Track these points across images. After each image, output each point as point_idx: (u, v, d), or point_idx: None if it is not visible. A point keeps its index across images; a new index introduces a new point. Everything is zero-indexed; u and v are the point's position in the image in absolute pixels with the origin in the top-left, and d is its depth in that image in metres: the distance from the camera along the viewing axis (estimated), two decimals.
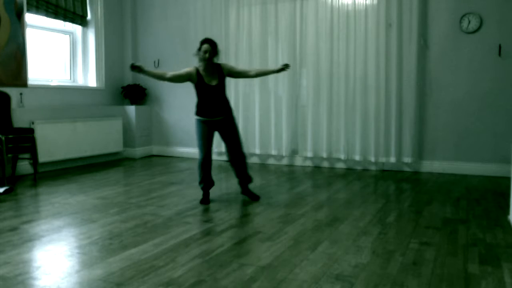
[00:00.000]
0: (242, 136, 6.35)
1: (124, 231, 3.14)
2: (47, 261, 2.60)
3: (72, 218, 3.49)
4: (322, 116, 5.95)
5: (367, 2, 5.65)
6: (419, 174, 5.52)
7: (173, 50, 6.91)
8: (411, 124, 5.55)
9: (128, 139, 6.93)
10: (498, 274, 2.39)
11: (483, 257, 2.63)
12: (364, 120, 5.74)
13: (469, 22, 5.30)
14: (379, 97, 5.65)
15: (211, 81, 3.91)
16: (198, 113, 3.98)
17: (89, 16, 6.60)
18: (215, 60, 3.93)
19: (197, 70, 3.90)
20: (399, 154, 5.64)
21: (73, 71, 6.61)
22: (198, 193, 4.19)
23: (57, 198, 4.20)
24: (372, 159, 5.72)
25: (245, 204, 3.98)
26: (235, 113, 6.32)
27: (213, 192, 4.32)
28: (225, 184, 4.91)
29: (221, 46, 6.28)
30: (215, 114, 3.95)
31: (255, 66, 6.11)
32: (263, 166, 6.18)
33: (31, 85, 5.61)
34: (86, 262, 2.57)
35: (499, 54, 5.21)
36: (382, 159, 5.70)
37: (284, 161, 6.34)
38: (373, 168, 5.82)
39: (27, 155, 5.22)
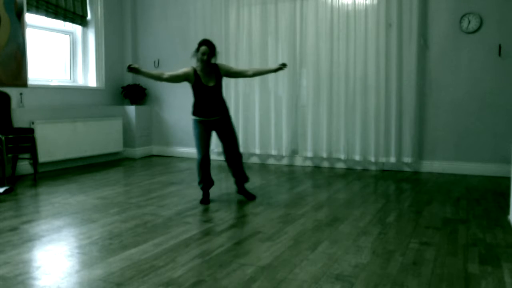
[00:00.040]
0: (242, 136, 6.40)
1: (124, 231, 3.14)
2: (47, 261, 2.60)
3: (72, 218, 3.49)
4: (322, 116, 5.95)
5: (367, 2, 5.65)
6: (419, 174, 5.52)
7: (173, 50, 6.91)
8: (411, 124, 5.55)
9: (128, 139, 6.93)
10: (498, 274, 2.39)
11: (483, 257, 2.63)
12: (364, 120, 5.74)
13: (469, 22, 5.30)
14: (379, 97, 5.65)
15: (208, 81, 3.92)
16: (195, 113, 3.99)
17: (89, 16, 6.60)
18: (213, 61, 3.93)
19: (195, 71, 3.91)
20: (399, 154, 5.64)
21: (73, 71, 6.62)
22: (198, 193, 4.19)
23: (57, 198, 4.20)
24: (372, 159, 5.72)
25: (245, 204, 3.99)
26: (235, 113, 6.42)
27: (213, 192, 4.32)
28: (225, 184, 4.91)
29: (221, 46, 6.36)
30: (212, 114, 3.97)
31: (255, 66, 6.11)
32: (263, 166, 6.18)
33: (31, 85, 5.61)
34: (86, 262, 2.57)
35: (499, 54, 5.21)
36: (382, 159, 5.70)
37: (284, 161, 6.34)
38: (373, 168, 5.82)
39: (27, 155, 5.22)
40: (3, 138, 4.70)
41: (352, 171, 5.73)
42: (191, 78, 3.90)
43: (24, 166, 5.41)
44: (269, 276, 2.35)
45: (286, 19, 6.08)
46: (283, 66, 3.98)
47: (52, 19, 6.07)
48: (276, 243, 2.88)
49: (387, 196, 4.29)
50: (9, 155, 4.92)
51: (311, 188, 4.74)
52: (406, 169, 5.72)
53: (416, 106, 5.54)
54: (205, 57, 3.83)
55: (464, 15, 5.33)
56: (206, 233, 3.11)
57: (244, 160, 6.47)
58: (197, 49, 3.87)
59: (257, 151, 6.37)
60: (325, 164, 6.09)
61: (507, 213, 3.57)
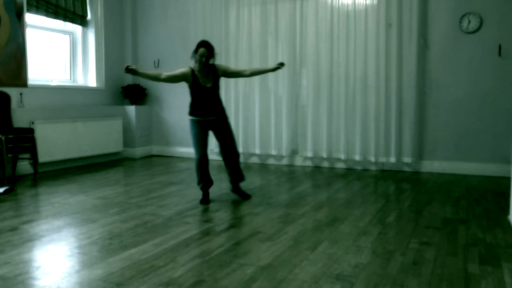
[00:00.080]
0: (242, 136, 6.40)
1: (124, 231, 3.14)
2: (47, 261, 2.60)
3: (72, 218, 3.49)
4: (322, 116, 5.95)
5: (367, 2, 5.65)
6: (419, 174, 5.52)
7: (173, 50, 6.91)
8: (411, 124, 5.55)
9: (128, 139, 6.94)
10: (498, 274, 2.39)
11: (483, 257, 2.63)
12: (364, 120, 5.74)
13: (469, 22, 5.30)
14: (379, 97, 5.65)
15: (206, 82, 3.93)
16: (191, 113, 4.00)
17: (89, 16, 6.60)
18: (211, 61, 3.94)
19: (192, 71, 3.92)
20: (399, 154, 5.64)
21: (73, 71, 6.62)
22: (198, 193, 4.19)
23: (57, 198, 4.20)
24: (372, 159, 5.72)
25: (245, 204, 3.99)
26: (235, 113, 6.42)
27: (213, 192, 4.32)
28: (225, 184, 4.90)
29: (221, 46, 6.36)
30: (209, 114, 3.98)
31: (255, 66, 6.10)
32: (263, 166, 6.18)
33: (31, 85, 5.61)
34: (86, 262, 2.57)
35: (499, 54, 5.21)
36: (382, 159, 5.70)
37: (284, 161, 6.34)
38: (373, 168, 5.82)
39: (27, 155, 5.22)
40: (3, 138, 4.70)
41: (352, 171, 5.73)
42: (189, 78, 3.91)
43: (24, 166, 5.41)
44: (269, 276, 2.35)
45: (286, 19, 6.08)
46: (281, 65, 3.98)
47: (52, 19, 6.07)
48: (276, 243, 2.88)
49: (387, 196, 4.29)
50: (9, 155, 4.92)
51: (311, 188, 4.74)
52: (406, 169, 5.72)
53: (416, 106, 5.54)
54: (203, 59, 3.85)
55: (464, 15, 5.33)
56: (206, 233, 3.11)
57: (244, 160, 6.48)
58: (196, 50, 3.87)
59: (257, 151, 6.37)
60: (325, 164, 6.09)
61: (507, 213, 3.57)
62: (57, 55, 6.40)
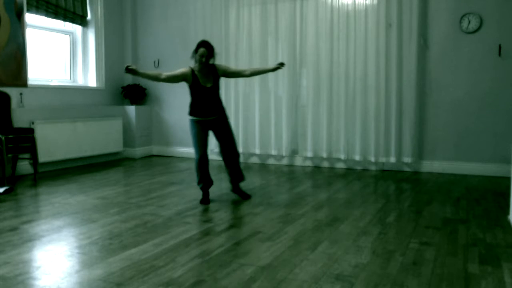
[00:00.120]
0: (242, 136, 6.40)
1: (124, 231, 3.14)
2: (47, 261, 2.60)
3: (72, 218, 3.49)
4: (322, 116, 5.95)
5: (367, 2, 5.65)
6: (419, 174, 5.52)
7: (173, 50, 6.91)
8: (411, 124, 5.55)
9: (128, 139, 6.94)
10: (498, 274, 2.39)
11: (483, 257, 2.63)
12: (364, 120, 5.74)
13: (469, 22, 5.30)
14: (379, 97, 5.65)
15: (206, 82, 3.93)
16: (191, 113, 4.00)
17: (89, 16, 6.60)
18: (211, 61, 3.94)
19: (192, 71, 3.92)
20: (399, 154, 5.64)
21: (73, 71, 6.62)
22: (198, 193, 4.19)
23: (57, 198, 4.20)
24: (372, 159, 5.72)
25: (245, 204, 3.99)
26: (235, 113, 6.42)
27: (213, 192, 4.32)
28: (225, 184, 4.90)
29: (221, 46, 6.36)
30: (209, 114, 3.98)
31: (255, 66, 6.10)
32: (263, 166, 6.18)
33: (31, 85, 5.62)
34: (86, 262, 2.57)
35: (499, 54, 5.21)
36: (382, 159, 5.70)
37: (284, 161, 6.34)
38: (373, 168, 5.82)
39: (27, 155, 5.22)
40: (3, 138, 4.70)
41: (352, 171, 5.73)
42: (189, 78, 3.91)
43: (24, 166, 5.41)
44: (269, 276, 2.35)
45: (286, 19, 6.08)
46: (280, 65, 3.98)
47: (52, 19, 6.07)
48: (276, 243, 2.88)
49: (387, 196, 4.29)
50: (9, 155, 4.92)
51: (311, 188, 4.74)
52: (406, 169, 5.72)
53: (416, 106, 5.54)
54: (203, 59, 3.85)
55: (464, 15, 5.33)
56: (206, 233, 3.11)
57: (244, 160, 6.48)
58: (196, 51, 3.87)
59: (257, 151, 6.37)
60: (325, 164, 6.09)
61: (507, 213, 3.57)
62: (57, 55, 6.40)
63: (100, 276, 2.35)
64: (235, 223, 3.39)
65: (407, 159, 5.60)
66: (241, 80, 6.27)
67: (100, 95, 6.73)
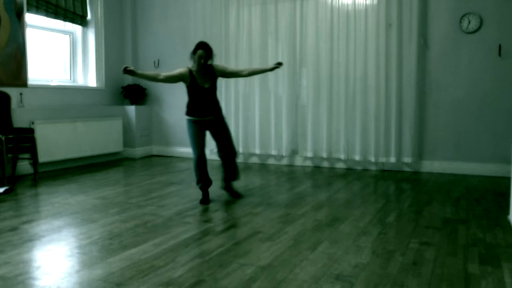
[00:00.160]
0: (242, 136, 6.40)
1: (124, 231, 3.14)
2: (47, 261, 2.60)
3: (72, 218, 3.49)
4: (322, 116, 5.95)
5: (367, 2, 5.65)
6: (419, 174, 5.52)
7: (173, 50, 6.91)
8: (411, 124, 5.55)
9: (128, 139, 6.94)
10: (498, 274, 2.39)
11: (483, 257, 2.63)
12: (364, 120, 5.74)
13: (469, 22, 5.30)
14: (379, 97, 5.65)
15: (204, 83, 3.95)
16: (188, 113, 4.02)
17: (89, 16, 6.60)
18: (209, 62, 3.96)
19: (190, 71, 3.93)
20: (399, 154, 5.64)
21: (73, 71, 6.62)
22: (198, 193, 4.19)
23: (57, 198, 4.20)
24: (372, 159, 5.72)
25: (245, 204, 3.98)
26: (235, 113, 6.42)
27: (213, 192, 4.32)
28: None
29: (221, 46, 6.36)
30: (206, 114, 4.00)
31: (255, 66, 6.09)
32: (263, 166, 6.18)
33: (31, 85, 5.61)
34: (86, 262, 2.57)
35: (499, 54, 5.21)
36: (382, 159, 5.70)
37: (284, 161, 6.34)
38: (373, 168, 5.82)
39: (27, 155, 5.22)
40: (3, 138, 4.70)
41: (352, 171, 5.73)
42: (187, 79, 3.93)
43: (24, 166, 5.41)
44: (269, 276, 2.35)
45: (286, 19, 6.08)
46: (279, 65, 4.00)
47: (52, 19, 6.07)
48: (276, 243, 2.88)
49: (387, 196, 4.29)
50: (9, 155, 4.92)
51: (311, 188, 4.74)
52: (406, 169, 5.72)
53: (416, 106, 5.54)
54: (202, 61, 3.87)
55: (464, 15, 5.33)
56: (206, 233, 3.11)
57: (244, 160, 6.49)
58: (194, 52, 3.89)
59: (257, 151, 6.36)
60: (325, 164, 6.09)
61: (507, 213, 3.57)
62: (57, 55, 6.40)
63: (100, 276, 2.35)
64: (235, 223, 3.39)
65: (407, 159, 5.60)
66: (241, 80, 6.28)
67: (100, 95, 6.73)
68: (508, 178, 4.28)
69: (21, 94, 5.46)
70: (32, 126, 5.39)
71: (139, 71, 3.82)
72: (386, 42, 5.57)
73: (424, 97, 5.59)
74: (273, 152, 6.28)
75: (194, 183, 4.76)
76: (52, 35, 6.26)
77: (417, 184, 4.88)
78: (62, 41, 6.44)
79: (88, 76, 6.69)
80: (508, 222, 3.36)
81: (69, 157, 5.90)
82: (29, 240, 2.95)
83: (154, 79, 3.92)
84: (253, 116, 6.35)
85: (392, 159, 5.65)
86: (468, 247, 2.81)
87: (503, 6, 5.18)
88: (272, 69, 4.07)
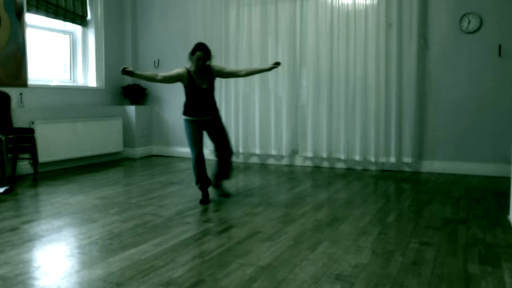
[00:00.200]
0: (242, 136, 6.40)
1: (124, 231, 3.14)
2: (47, 261, 2.60)
3: (72, 218, 3.49)
4: (322, 116, 5.95)
5: (367, 2, 5.65)
6: (419, 174, 5.52)
7: (173, 50, 6.91)
8: (411, 124, 5.55)
9: (128, 139, 6.94)
10: (498, 274, 2.39)
11: (483, 257, 2.63)
12: (364, 120, 5.74)
13: (469, 22, 5.30)
14: (379, 97, 5.65)
15: (201, 83, 3.96)
16: (186, 113, 4.03)
17: (89, 16, 6.60)
18: (207, 63, 3.96)
19: (188, 72, 3.94)
20: (399, 154, 5.64)
21: (73, 71, 6.62)
22: (198, 193, 4.20)
23: (57, 198, 4.20)
24: (372, 159, 5.72)
25: (245, 204, 3.98)
26: (235, 113, 6.43)
27: (213, 192, 4.32)
28: (224, 184, 4.90)
29: (221, 46, 6.37)
30: (204, 114, 4.01)
31: (256, 66, 6.09)
32: (263, 166, 6.18)
33: (31, 85, 5.61)
34: (86, 262, 2.57)
35: (499, 54, 5.21)
36: (382, 159, 5.70)
37: (284, 161, 6.34)
38: (373, 168, 5.82)
39: (27, 155, 5.22)
40: (3, 138, 4.70)
41: (352, 171, 5.73)
42: (185, 79, 3.93)
43: (24, 166, 5.41)
44: (269, 276, 2.35)
45: (286, 19, 6.08)
46: (277, 64, 4.01)
47: (52, 19, 6.07)
48: (276, 243, 2.88)
49: (387, 196, 4.29)
50: (9, 155, 4.92)
51: (311, 188, 4.74)
52: (406, 169, 5.72)
53: (416, 106, 5.54)
54: (200, 62, 3.89)
55: (464, 15, 5.33)
56: (206, 233, 3.11)
57: (244, 160, 6.49)
58: (192, 53, 3.89)
59: (257, 151, 6.36)
60: (325, 164, 6.09)
61: (507, 213, 3.57)
62: (57, 55, 6.40)
63: (100, 276, 2.35)
64: (235, 223, 3.39)
65: (407, 159, 5.60)
66: (241, 80, 6.28)
67: (100, 95, 6.73)
68: (508, 178, 4.28)
69: (21, 94, 5.46)
70: (32, 126, 5.39)
71: (138, 72, 3.82)
72: (386, 42, 5.57)
73: (424, 97, 5.59)
74: (273, 152, 6.28)
75: (193, 183, 4.76)
76: (52, 35, 6.26)
77: (417, 184, 4.88)
78: (62, 41, 6.44)
79: (88, 76, 6.69)
80: (508, 222, 3.36)
81: (69, 157, 5.90)
82: (29, 240, 2.95)
83: (152, 79, 3.93)
84: (253, 116, 6.35)
85: (392, 159, 5.65)
86: (468, 247, 2.81)
87: (503, 6, 5.18)
88: (270, 69, 4.10)
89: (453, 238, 3.00)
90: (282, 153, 6.25)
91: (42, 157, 5.45)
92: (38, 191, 4.55)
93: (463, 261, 2.58)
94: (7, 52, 5.25)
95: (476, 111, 5.37)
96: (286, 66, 6.04)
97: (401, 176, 5.36)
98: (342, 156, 5.88)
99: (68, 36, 6.50)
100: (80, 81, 6.67)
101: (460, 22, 5.35)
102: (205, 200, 4.01)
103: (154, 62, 7.08)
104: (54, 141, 5.67)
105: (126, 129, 6.91)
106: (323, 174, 5.53)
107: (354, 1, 5.72)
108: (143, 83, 6.99)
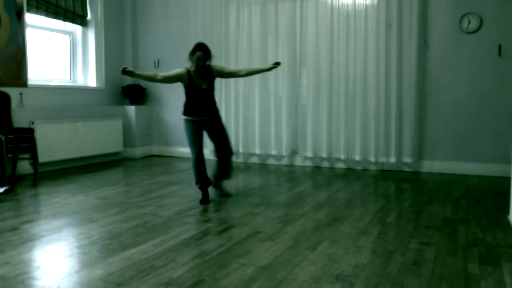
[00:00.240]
0: (242, 136, 6.40)
1: (124, 231, 3.14)
2: (47, 261, 2.60)
3: (72, 218, 3.49)
4: (322, 116, 5.95)
5: (367, 2, 5.65)
6: (419, 174, 5.52)
7: (173, 50, 6.91)
8: (411, 124, 5.55)
9: (128, 139, 6.94)
10: (498, 274, 2.39)
11: (483, 257, 2.63)
12: (364, 120, 5.74)
13: (469, 22, 5.30)
14: (379, 97, 5.65)
15: (201, 83, 3.96)
16: (186, 113, 4.03)
17: (89, 16, 6.60)
18: (207, 63, 3.96)
19: (188, 72, 3.94)
20: (399, 154, 5.64)
21: (73, 71, 6.62)
22: (198, 193, 4.20)
23: (57, 198, 4.20)
24: (372, 159, 5.72)
25: (245, 204, 3.98)
26: (235, 113, 6.43)
27: (213, 192, 4.32)
28: (224, 184, 4.90)
29: (221, 46, 6.37)
30: (204, 114, 4.01)
31: (256, 66, 6.09)
32: (263, 166, 6.18)
33: (31, 85, 5.62)
34: (86, 262, 2.57)
35: (499, 54, 5.21)
36: (382, 159, 5.70)
37: (284, 161, 6.34)
38: (373, 168, 5.82)
39: (27, 155, 5.22)
40: (3, 138, 4.70)
41: (352, 171, 5.73)
42: (185, 79, 3.93)
43: (24, 166, 5.41)
44: (269, 276, 2.35)
45: (286, 19, 6.08)
46: (276, 65, 4.01)
47: (52, 19, 6.07)
48: (276, 243, 2.88)
49: (387, 196, 4.29)
50: (9, 155, 4.92)
51: (311, 188, 4.74)
52: (406, 169, 5.72)
53: (416, 106, 5.54)
54: (200, 63, 3.88)
55: (464, 15, 5.33)
56: (206, 233, 3.11)
57: (244, 160, 6.49)
58: (192, 53, 3.89)
59: (257, 151, 6.36)
60: (325, 164, 6.09)
61: (507, 213, 3.57)
62: (57, 55, 6.40)
63: (100, 276, 2.35)
64: (235, 223, 3.39)
65: (407, 159, 5.60)
66: (241, 80, 6.28)
67: (100, 95, 6.74)
68: (508, 178, 4.28)
69: (21, 94, 5.46)
70: (32, 126, 5.39)
71: (137, 72, 3.82)
72: (386, 42, 5.57)
73: (424, 97, 5.59)
74: (273, 152, 6.28)
75: (193, 183, 4.76)
76: (52, 35, 6.26)
77: (417, 184, 4.88)
78: (62, 41, 6.44)
79: (88, 76, 6.69)
80: (508, 222, 3.36)
81: (69, 157, 5.90)
82: (29, 240, 2.95)
83: (152, 79, 3.93)
84: (253, 116, 6.35)
85: (392, 159, 5.65)
86: (468, 247, 2.81)
87: (503, 6, 5.18)
88: (270, 69, 4.10)
89: (453, 238, 3.00)
90: (282, 153, 6.25)
91: (42, 157, 5.45)
92: (38, 191, 4.55)
93: (463, 261, 2.58)
94: (7, 52, 5.25)
95: (476, 111, 5.37)
96: (286, 66, 6.04)
97: (401, 176, 5.36)
98: (342, 156, 5.88)
99: (68, 36, 6.50)
100: (80, 81, 6.67)
101: (460, 22, 5.35)
102: (205, 200, 4.01)
103: (154, 62, 7.08)
104: (54, 141, 5.67)
105: (126, 129, 6.91)
106: (323, 174, 5.53)
107: (354, 1, 5.72)
108: (143, 83, 6.99)
